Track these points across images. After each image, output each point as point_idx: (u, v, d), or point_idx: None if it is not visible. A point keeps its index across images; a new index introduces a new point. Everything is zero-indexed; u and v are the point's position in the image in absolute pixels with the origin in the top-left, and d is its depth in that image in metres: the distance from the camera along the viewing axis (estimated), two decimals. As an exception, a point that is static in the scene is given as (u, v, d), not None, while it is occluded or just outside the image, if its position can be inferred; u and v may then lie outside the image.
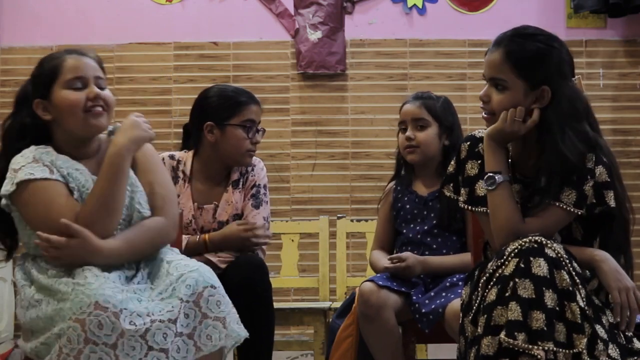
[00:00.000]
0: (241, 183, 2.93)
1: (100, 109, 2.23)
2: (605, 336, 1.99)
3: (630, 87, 4.46)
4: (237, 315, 2.12)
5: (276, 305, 2.97)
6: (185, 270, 2.10)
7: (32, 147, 2.23)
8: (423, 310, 2.58)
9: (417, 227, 2.84)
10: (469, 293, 2.16)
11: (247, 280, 2.65)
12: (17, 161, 2.19)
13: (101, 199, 2.14)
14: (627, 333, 2.07)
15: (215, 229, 2.86)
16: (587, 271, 2.12)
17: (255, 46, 4.48)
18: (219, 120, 2.87)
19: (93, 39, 4.48)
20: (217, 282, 2.12)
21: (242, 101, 2.89)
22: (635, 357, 2.03)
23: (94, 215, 2.13)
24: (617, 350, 1.99)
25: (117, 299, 1.98)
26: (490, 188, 2.17)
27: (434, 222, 2.82)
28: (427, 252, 2.80)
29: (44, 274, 2.15)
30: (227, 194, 2.89)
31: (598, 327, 1.99)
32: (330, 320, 2.86)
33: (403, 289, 2.64)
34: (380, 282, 2.62)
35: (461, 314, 2.18)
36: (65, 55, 2.26)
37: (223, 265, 2.76)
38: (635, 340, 2.07)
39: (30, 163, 2.18)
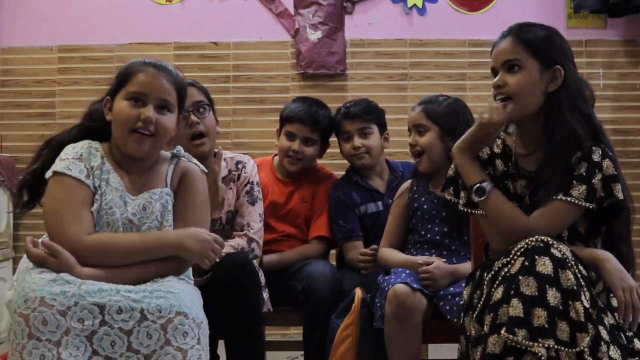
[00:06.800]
0: (231, 181, 2.90)
1: (146, 133, 2.18)
2: (607, 338, 2.00)
3: (630, 87, 4.46)
4: (200, 353, 2.01)
5: (276, 305, 2.96)
6: (164, 289, 2.04)
7: (86, 143, 2.22)
8: (449, 302, 2.58)
9: (436, 228, 2.85)
10: (470, 293, 2.17)
11: (234, 279, 2.61)
12: (66, 151, 2.19)
13: (119, 251, 2.10)
14: (628, 333, 2.08)
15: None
16: (593, 274, 2.13)
17: (255, 46, 4.47)
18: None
19: (93, 39, 4.49)
20: (194, 312, 2.03)
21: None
22: (637, 358, 2.03)
23: (99, 252, 2.09)
24: (618, 351, 1.99)
25: (66, 296, 1.94)
26: (482, 198, 2.21)
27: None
28: (445, 253, 2.81)
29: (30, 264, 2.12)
30: None
31: (601, 329, 1.99)
32: (330, 320, 2.85)
33: (430, 293, 2.63)
34: (415, 285, 2.58)
35: (462, 314, 2.19)
36: (145, 67, 2.22)
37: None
38: (636, 340, 2.08)
39: (74, 159, 2.16)
